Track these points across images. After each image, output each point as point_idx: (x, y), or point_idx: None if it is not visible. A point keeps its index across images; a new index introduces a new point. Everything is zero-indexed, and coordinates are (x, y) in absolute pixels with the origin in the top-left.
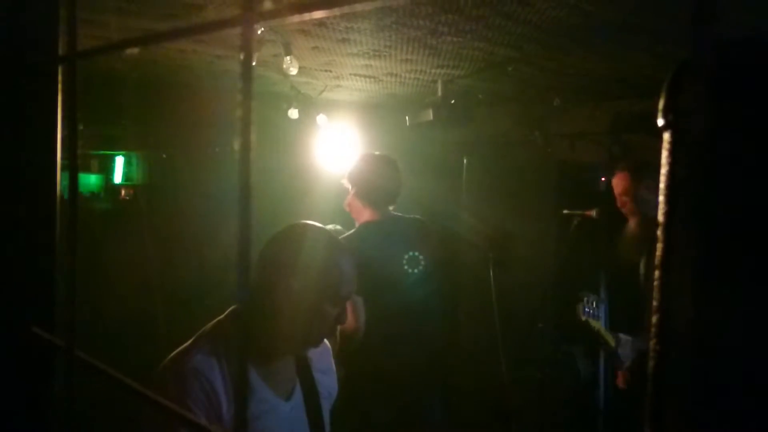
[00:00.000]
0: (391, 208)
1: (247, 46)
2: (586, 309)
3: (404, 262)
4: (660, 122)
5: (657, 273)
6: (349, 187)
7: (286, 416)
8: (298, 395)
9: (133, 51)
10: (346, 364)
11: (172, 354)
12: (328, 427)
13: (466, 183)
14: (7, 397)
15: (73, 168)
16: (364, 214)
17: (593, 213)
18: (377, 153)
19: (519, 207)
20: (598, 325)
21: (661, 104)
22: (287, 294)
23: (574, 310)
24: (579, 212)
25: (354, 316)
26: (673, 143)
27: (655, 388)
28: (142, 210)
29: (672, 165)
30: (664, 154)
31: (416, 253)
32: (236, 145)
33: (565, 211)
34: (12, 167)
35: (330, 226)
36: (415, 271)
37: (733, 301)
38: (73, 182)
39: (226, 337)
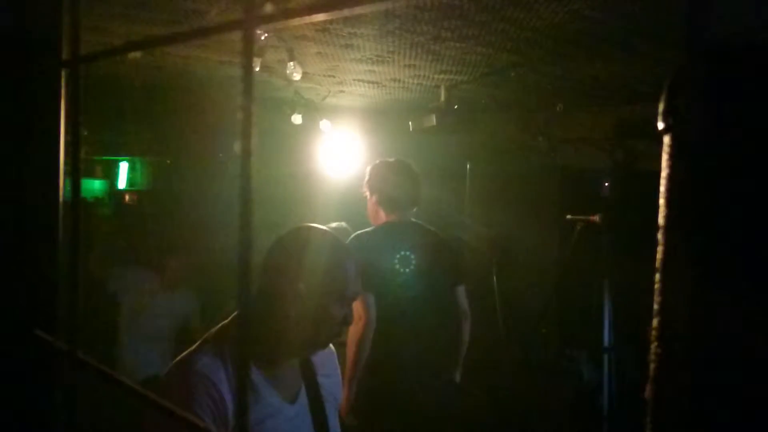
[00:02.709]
0: (414, 210)
1: (248, 50)
2: None
3: (408, 261)
4: (660, 126)
5: (657, 276)
6: (368, 195)
7: (291, 419)
8: (303, 398)
9: (137, 55)
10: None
11: (177, 358)
12: (335, 430)
13: (470, 188)
14: (8, 401)
15: (75, 173)
16: (381, 219)
17: (596, 218)
18: (391, 160)
19: (522, 212)
20: None
21: (660, 108)
22: (294, 297)
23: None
24: (582, 217)
25: (365, 311)
26: (673, 146)
27: (656, 391)
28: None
29: (672, 168)
30: (664, 158)
31: (418, 255)
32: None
33: (569, 217)
34: (15, 172)
35: (334, 224)
36: (412, 269)
37: (733, 303)
38: (76, 187)
39: (231, 341)
